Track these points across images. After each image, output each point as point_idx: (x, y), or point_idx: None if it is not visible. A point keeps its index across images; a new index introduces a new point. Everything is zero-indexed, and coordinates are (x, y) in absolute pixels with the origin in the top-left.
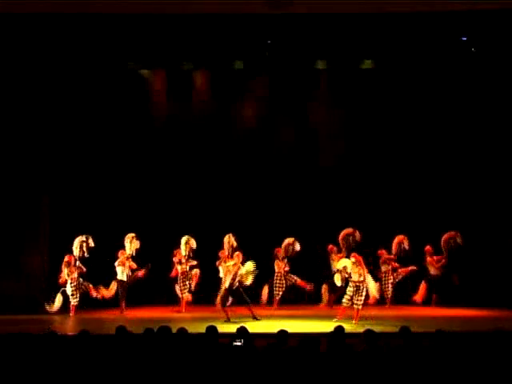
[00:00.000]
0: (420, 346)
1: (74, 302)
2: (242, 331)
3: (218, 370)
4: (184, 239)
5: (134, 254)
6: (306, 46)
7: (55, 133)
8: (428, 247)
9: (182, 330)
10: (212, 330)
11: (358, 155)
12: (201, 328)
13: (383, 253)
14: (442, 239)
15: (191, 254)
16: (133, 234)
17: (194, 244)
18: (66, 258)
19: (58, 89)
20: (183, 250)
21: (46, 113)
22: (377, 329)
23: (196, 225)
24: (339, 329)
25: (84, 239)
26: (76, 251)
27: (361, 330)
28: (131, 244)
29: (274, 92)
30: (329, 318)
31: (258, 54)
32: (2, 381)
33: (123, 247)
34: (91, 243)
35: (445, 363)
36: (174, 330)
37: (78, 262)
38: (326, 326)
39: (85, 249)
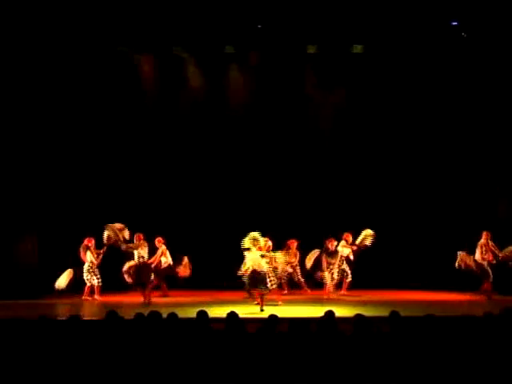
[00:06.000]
0: (409, 330)
1: (97, 283)
2: (233, 316)
3: (209, 355)
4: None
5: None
6: (296, 31)
7: (45, 120)
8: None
9: (173, 315)
10: (203, 314)
11: (348, 140)
12: (191, 313)
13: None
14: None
15: None
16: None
17: None
18: (86, 242)
19: (48, 77)
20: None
21: (36, 98)
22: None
23: (194, 210)
24: (329, 314)
25: (120, 228)
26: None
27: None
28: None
29: (265, 76)
30: (319, 303)
31: (248, 39)
32: None
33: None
34: (126, 235)
35: (434, 347)
36: (165, 315)
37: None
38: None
39: (121, 237)
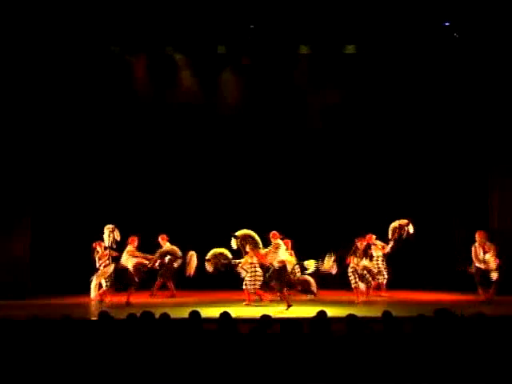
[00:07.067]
0: (402, 330)
1: (105, 286)
2: (225, 316)
3: (201, 355)
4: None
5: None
6: (288, 31)
7: (37, 119)
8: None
9: (165, 315)
10: (195, 315)
11: (341, 140)
12: (184, 313)
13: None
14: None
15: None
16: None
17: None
18: (93, 246)
19: (41, 75)
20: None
21: (28, 97)
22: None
23: (189, 209)
24: (322, 314)
25: (111, 229)
26: (107, 240)
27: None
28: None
29: (257, 77)
30: (312, 303)
31: (240, 39)
32: None
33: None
34: (117, 236)
35: (427, 347)
36: (157, 316)
37: (107, 250)
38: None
39: (111, 239)
